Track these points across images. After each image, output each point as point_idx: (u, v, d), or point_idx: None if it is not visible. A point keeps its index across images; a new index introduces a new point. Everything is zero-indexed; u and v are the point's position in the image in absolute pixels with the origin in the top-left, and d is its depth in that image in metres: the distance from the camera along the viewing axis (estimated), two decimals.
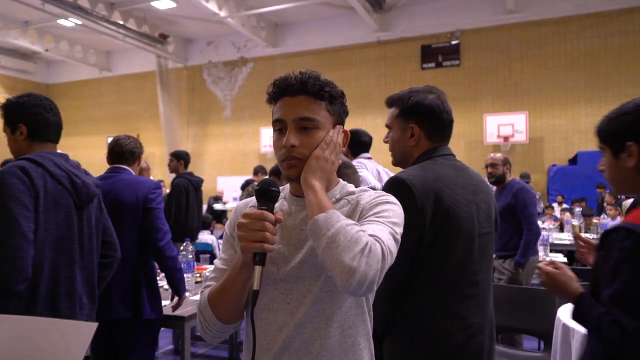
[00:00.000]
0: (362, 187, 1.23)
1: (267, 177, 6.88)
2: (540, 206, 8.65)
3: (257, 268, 1.04)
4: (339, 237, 0.97)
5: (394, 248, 1.05)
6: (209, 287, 1.20)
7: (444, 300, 1.59)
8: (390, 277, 1.37)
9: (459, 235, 1.59)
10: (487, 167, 4.16)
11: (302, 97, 1.14)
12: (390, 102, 1.77)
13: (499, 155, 4.15)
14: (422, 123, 1.68)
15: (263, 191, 1.07)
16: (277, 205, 1.16)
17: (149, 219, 2.57)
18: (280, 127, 1.16)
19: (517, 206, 3.90)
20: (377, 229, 1.05)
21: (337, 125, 1.18)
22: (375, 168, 3.08)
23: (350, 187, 1.23)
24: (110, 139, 2.87)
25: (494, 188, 4.27)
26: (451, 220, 1.57)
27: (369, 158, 3.15)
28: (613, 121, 1.46)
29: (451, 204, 1.57)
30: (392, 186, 1.56)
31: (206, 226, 5.89)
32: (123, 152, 2.72)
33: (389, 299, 1.58)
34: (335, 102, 1.17)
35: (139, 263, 2.57)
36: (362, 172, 2.80)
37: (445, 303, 1.59)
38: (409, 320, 1.59)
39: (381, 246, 1.00)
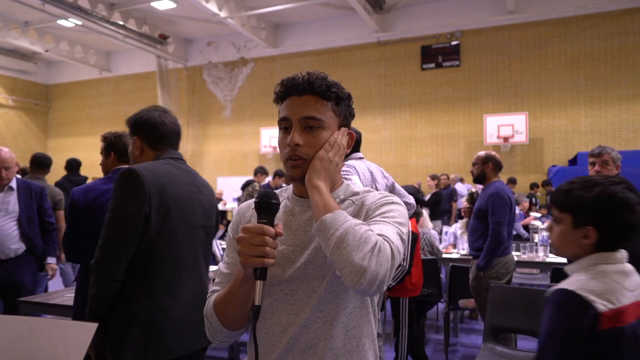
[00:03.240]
0: (366, 188, 1.23)
1: (268, 177, 6.85)
2: (518, 211, 8.55)
3: (258, 283, 1.02)
4: (348, 237, 0.97)
5: (401, 247, 1.05)
6: (215, 292, 1.21)
7: (168, 280, 1.83)
8: (119, 256, 1.70)
9: (181, 223, 1.87)
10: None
11: (308, 97, 1.14)
12: (126, 123, 2.09)
13: (481, 153, 4.05)
14: (144, 136, 2.01)
15: (262, 204, 1.04)
16: (280, 205, 1.16)
17: None
18: (285, 126, 1.16)
19: (488, 211, 3.84)
20: (385, 228, 1.05)
21: (342, 128, 1.18)
22: (367, 169, 2.94)
23: (355, 187, 1.23)
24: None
25: (479, 187, 4.16)
26: (175, 210, 1.83)
27: (361, 158, 3.01)
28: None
29: (174, 196, 1.84)
30: (122, 175, 1.79)
31: None
32: (123, 150, 2.58)
33: (115, 278, 1.75)
34: (341, 103, 1.18)
35: None
36: (352, 178, 2.69)
37: (168, 283, 1.83)
38: (132, 298, 1.78)
39: (390, 245, 1.00)
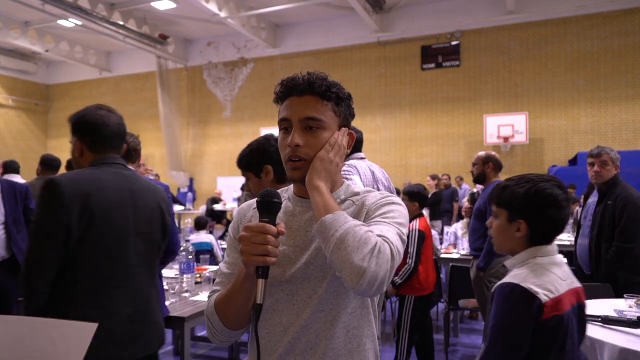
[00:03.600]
0: (367, 188, 1.23)
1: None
2: None
3: (260, 281, 1.02)
4: (348, 238, 0.97)
5: (401, 248, 1.05)
6: (215, 292, 1.21)
7: (92, 290, 1.77)
8: (42, 268, 1.66)
9: (109, 231, 1.80)
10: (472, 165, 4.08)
11: (308, 97, 1.13)
12: (68, 120, 1.99)
13: (481, 153, 4.04)
14: (84, 137, 1.91)
15: (264, 203, 1.04)
16: (281, 205, 1.16)
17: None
18: (285, 127, 1.15)
19: (487, 211, 3.81)
20: (385, 229, 1.05)
21: (343, 128, 1.18)
22: (368, 168, 2.92)
23: (355, 187, 1.23)
24: None
25: (479, 187, 4.15)
26: (101, 218, 1.78)
27: (362, 158, 2.98)
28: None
29: (101, 204, 1.79)
30: (42, 186, 1.75)
31: (200, 227, 5.89)
32: (128, 150, 2.64)
33: (41, 290, 1.71)
34: (341, 103, 1.17)
35: (158, 266, 2.61)
36: (353, 178, 2.67)
37: (92, 293, 1.76)
38: (57, 309, 1.73)
39: (390, 246, 1.00)
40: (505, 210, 1.56)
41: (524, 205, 1.51)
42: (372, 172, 2.94)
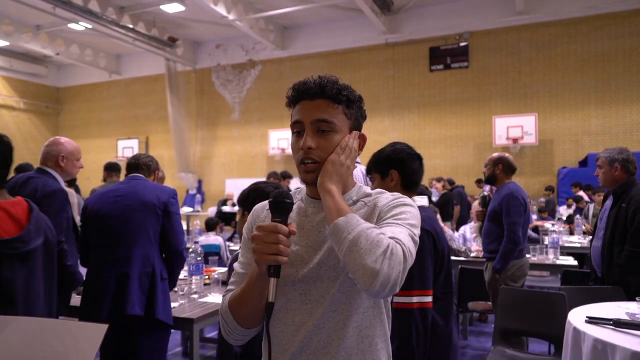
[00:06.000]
0: (378, 190, 1.25)
1: (277, 181, 6.76)
2: (532, 217, 8.47)
3: (272, 280, 1.04)
4: (361, 240, 0.99)
5: (413, 249, 1.06)
6: (230, 291, 1.23)
7: None
8: None
9: None
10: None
11: (320, 101, 1.16)
12: None
13: (494, 155, 4.05)
14: None
15: (276, 203, 1.07)
16: (293, 206, 1.17)
17: (170, 222, 2.71)
18: (298, 130, 1.18)
19: (502, 213, 3.81)
20: (397, 231, 1.06)
21: (354, 131, 1.21)
22: (360, 171, 2.95)
23: (367, 189, 1.25)
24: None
25: (489, 188, 4.11)
26: None
27: (357, 162, 3.03)
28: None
29: None
30: None
31: (210, 228, 5.92)
32: (138, 164, 2.89)
33: None
34: (352, 106, 1.20)
35: (159, 264, 2.66)
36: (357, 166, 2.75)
37: None
38: None
39: (402, 248, 1.01)
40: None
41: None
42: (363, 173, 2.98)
